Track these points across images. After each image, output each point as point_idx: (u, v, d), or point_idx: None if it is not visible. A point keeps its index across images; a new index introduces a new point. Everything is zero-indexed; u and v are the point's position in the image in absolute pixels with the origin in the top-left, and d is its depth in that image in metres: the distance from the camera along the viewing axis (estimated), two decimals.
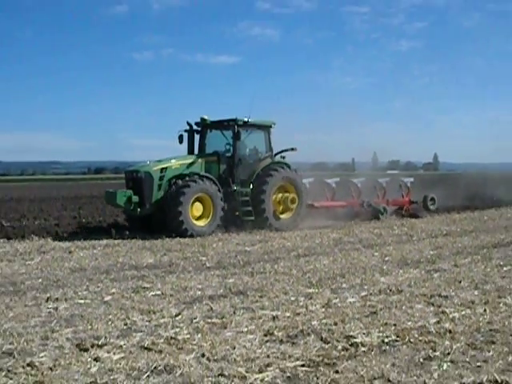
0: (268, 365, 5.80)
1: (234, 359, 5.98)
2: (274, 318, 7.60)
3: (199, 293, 9.25)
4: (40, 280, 10.50)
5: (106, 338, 6.70)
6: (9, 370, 5.64)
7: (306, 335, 6.80)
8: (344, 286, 9.71)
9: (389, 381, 5.42)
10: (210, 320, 7.52)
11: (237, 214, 18.46)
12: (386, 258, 12.59)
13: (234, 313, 7.89)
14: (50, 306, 8.37)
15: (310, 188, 20.94)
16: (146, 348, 6.36)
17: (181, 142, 19.08)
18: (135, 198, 17.06)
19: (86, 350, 6.29)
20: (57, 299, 8.83)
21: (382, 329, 7.02)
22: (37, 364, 5.81)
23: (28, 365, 5.79)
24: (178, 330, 7.08)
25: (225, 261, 12.58)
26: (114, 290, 9.50)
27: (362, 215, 21.59)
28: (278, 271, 11.14)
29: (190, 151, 19.16)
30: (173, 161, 17.94)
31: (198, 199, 17.27)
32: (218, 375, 5.54)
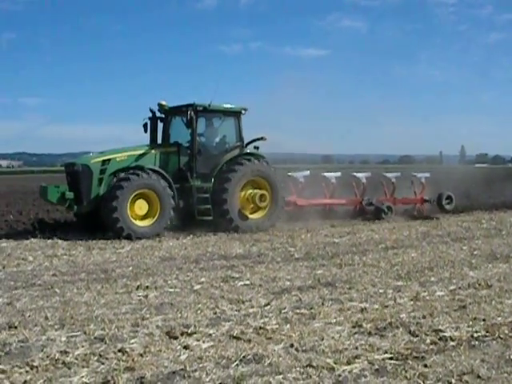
0: (356, 357, 5.86)
1: (323, 350, 6.07)
2: (362, 309, 7.66)
3: (288, 283, 9.42)
4: (130, 268, 10.95)
5: (195, 326, 6.94)
6: (100, 355, 5.95)
7: (395, 328, 6.82)
8: (432, 279, 9.65)
9: (478, 377, 5.37)
10: (298, 311, 7.65)
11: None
12: (475, 252, 12.40)
13: (323, 304, 8.00)
14: (140, 294, 8.73)
15: (307, 183, 19.41)
16: (234, 337, 6.55)
17: (146, 131, 17.42)
18: (69, 194, 15.33)
19: (176, 337, 6.54)
20: (147, 287, 9.20)
21: (471, 323, 6.95)
22: (127, 350, 6.09)
23: (119, 350, 6.08)
24: (266, 319, 7.25)
25: (313, 252, 12.72)
26: (203, 279, 9.80)
27: (364, 215, 19.77)
28: (366, 263, 11.19)
29: (153, 141, 17.33)
30: (120, 152, 16.05)
31: (142, 196, 15.37)
32: (306, 366, 5.65)
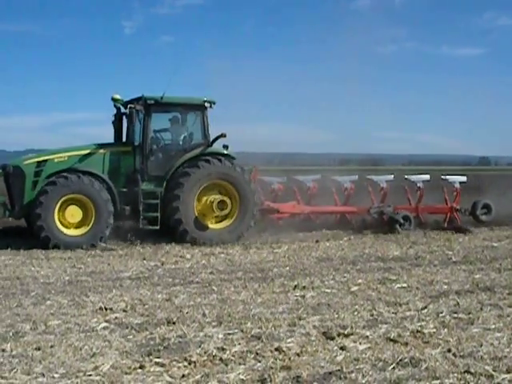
0: None
1: (481, 357, 5.97)
2: None
3: (445, 287, 9.34)
4: (287, 268, 11.23)
5: (352, 327, 7.04)
6: (257, 353, 6.17)
7: None
8: None
9: None
10: (456, 315, 7.57)
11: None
12: None
13: (481, 309, 7.87)
14: (297, 294, 8.95)
15: (316, 188, 17.95)
16: (391, 340, 6.58)
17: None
18: (2, 199, 14.48)
19: (333, 338, 6.66)
20: (304, 287, 9.40)
21: None
22: (284, 349, 6.27)
23: (276, 349, 6.28)
24: (423, 323, 7.22)
25: (471, 256, 12.49)
26: (360, 281, 9.89)
27: (374, 226, 16.94)
28: None
29: (118, 140, 15.91)
30: (61, 152, 14.71)
31: (74, 202, 14.01)
32: (464, 372, 5.57)
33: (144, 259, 12.36)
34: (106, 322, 7.42)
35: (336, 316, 7.64)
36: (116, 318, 7.62)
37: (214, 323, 7.32)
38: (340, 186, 17.92)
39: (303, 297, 8.80)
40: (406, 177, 18.55)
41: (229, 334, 6.88)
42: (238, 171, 15.10)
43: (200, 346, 6.37)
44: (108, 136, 16.12)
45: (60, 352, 6.17)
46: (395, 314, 7.75)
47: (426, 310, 7.87)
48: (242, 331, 6.97)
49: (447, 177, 18.71)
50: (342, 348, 6.32)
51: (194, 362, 5.91)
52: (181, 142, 15.60)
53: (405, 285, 9.55)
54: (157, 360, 5.97)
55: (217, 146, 15.48)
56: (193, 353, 6.16)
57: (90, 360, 5.96)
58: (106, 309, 8.02)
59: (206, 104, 15.36)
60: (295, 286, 9.47)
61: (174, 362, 5.93)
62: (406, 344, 6.43)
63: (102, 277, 10.53)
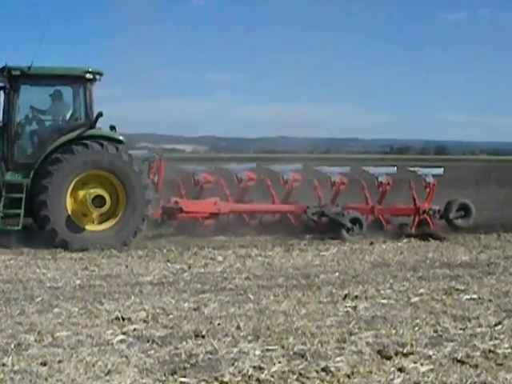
0: None
1: None
2: None
3: None
4: (336, 274, 11.22)
5: (412, 345, 6.96)
6: (300, 374, 6.15)
7: None
8: None
9: None
10: None
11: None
12: None
13: None
14: (347, 305, 8.92)
15: (254, 181, 17.32)
16: (458, 361, 6.50)
17: None
18: None
19: (389, 357, 6.61)
20: (356, 297, 9.37)
21: None
22: (332, 369, 6.24)
23: (322, 369, 6.25)
24: (497, 342, 7.14)
25: None
26: (422, 291, 9.82)
27: (309, 229, 16.48)
28: None
29: None
30: None
31: None
32: None
33: (168, 261, 12.45)
34: (124, 334, 7.46)
35: (393, 332, 7.58)
36: (135, 329, 7.64)
37: (249, 337, 7.32)
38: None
39: (355, 308, 8.76)
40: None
41: (267, 350, 6.86)
42: (124, 159, 14.26)
43: (233, 365, 6.36)
44: None
45: (69, 368, 6.20)
46: (463, 330, 7.68)
47: (499, 327, 7.77)
48: (282, 347, 6.95)
49: (417, 169, 18.12)
50: (400, 369, 6.27)
51: (227, 383, 5.91)
52: (57, 123, 15.02)
53: (475, 296, 9.45)
54: (182, 380, 5.98)
55: (102, 128, 14.84)
56: (225, 372, 6.16)
57: (104, 378, 5.98)
58: (123, 319, 8.05)
59: (89, 76, 14.60)
60: (345, 296, 9.44)
61: (203, 382, 5.94)
62: (476, 366, 6.36)
63: (118, 281, 10.60)
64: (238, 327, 7.74)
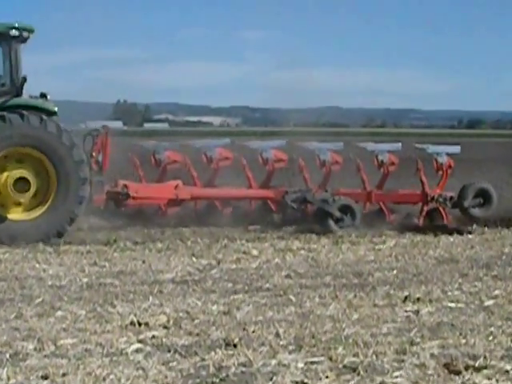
0: None
1: None
2: None
3: None
4: (395, 272, 11.22)
5: (485, 357, 6.88)
6: None
7: None
8: None
9: None
10: None
11: None
12: None
13: None
14: (408, 309, 8.90)
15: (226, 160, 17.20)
16: None
17: None
18: None
19: (458, 372, 6.51)
20: (418, 299, 9.34)
21: None
22: None
23: None
24: None
25: None
26: (497, 292, 9.77)
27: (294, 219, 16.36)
28: None
29: None
30: None
31: None
32: None
33: (193, 255, 12.56)
34: (140, 342, 7.46)
35: (463, 341, 7.51)
36: (153, 336, 7.65)
37: (290, 347, 7.29)
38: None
39: (417, 313, 8.73)
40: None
41: (312, 362, 6.82)
42: (50, 131, 14.04)
43: (271, 379, 6.33)
44: None
45: (75, 382, 6.20)
46: None
47: None
48: (330, 359, 6.91)
49: (426, 146, 18.09)
50: None
51: None
52: None
53: None
54: None
55: (30, 96, 14.69)
56: None
57: None
58: (139, 324, 8.08)
59: (14, 33, 14.23)
60: (405, 298, 9.42)
61: None
62: None
63: (133, 279, 10.67)
64: (277, 335, 7.71)
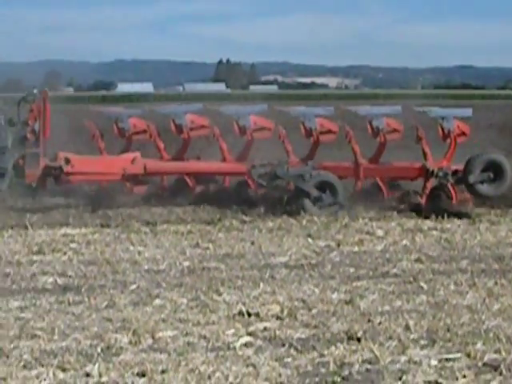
0: None
1: None
2: None
3: None
4: None
5: None
6: None
7: None
8: None
9: None
10: None
11: None
12: None
13: None
14: None
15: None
16: None
17: None
18: None
19: None
20: None
21: None
22: None
23: None
24: None
25: None
26: None
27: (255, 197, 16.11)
28: None
29: None
30: None
31: None
32: None
33: (309, 236, 12.61)
34: (250, 335, 7.52)
35: None
36: (265, 329, 7.70)
37: (422, 342, 7.26)
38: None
39: None
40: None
41: (447, 359, 6.77)
42: None
43: (400, 379, 6.31)
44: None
45: (176, 380, 6.28)
46: None
47: None
48: (467, 356, 6.84)
49: (428, 109, 17.66)
50: None
51: None
52: None
53: None
54: None
55: None
56: None
57: None
58: (248, 314, 8.14)
59: None
60: None
61: None
62: None
63: (242, 263, 10.76)
64: (407, 327, 7.69)
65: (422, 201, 15.74)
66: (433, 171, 15.54)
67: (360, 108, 17.96)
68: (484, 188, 15.44)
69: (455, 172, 15.64)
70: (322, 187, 15.06)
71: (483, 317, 8.03)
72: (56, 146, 15.65)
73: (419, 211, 15.19)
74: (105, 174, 15.84)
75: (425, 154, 16.16)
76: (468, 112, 17.28)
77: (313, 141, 16.59)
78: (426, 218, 14.63)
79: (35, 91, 15.71)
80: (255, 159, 16.08)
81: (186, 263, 10.67)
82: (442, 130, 16.24)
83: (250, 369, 6.54)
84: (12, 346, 7.08)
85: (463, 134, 16.40)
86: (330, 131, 16.71)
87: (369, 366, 6.60)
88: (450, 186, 15.61)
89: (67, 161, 15.13)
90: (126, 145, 17.52)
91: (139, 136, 17.49)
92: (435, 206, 15.39)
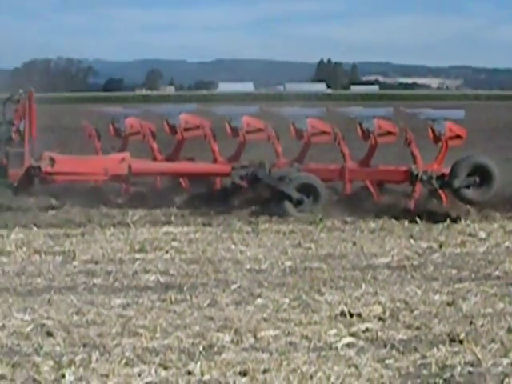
0: None
1: None
2: None
3: None
4: None
5: None
6: None
7: None
8: None
9: None
10: None
11: None
12: None
13: None
14: None
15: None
16: None
17: None
18: None
19: None
20: None
21: None
22: None
23: None
24: None
25: None
26: None
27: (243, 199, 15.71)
28: None
29: None
30: None
31: None
32: None
33: (411, 237, 12.57)
34: (352, 335, 7.50)
35: None
36: (367, 329, 7.68)
37: None
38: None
39: None
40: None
41: None
42: None
43: (503, 382, 6.23)
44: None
45: (279, 380, 6.29)
46: None
47: None
48: None
49: (418, 111, 17.36)
50: None
51: None
52: None
53: None
54: None
55: None
56: None
57: None
58: (350, 315, 8.12)
59: None
60: None
61: None
62: None
63: (343, 263, 10.76)
64: (510, 330, 7.61)
65: (411, 204, 15.30)
66: (417, 175, 15.11)
67: (351, 109, 17.99)
68: (469, 193, 14.99)
69: (442, 176, 15.19)
70: (303, 190, 14.90)
71: None
72: (56, 146, 15.90)
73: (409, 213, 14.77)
74: (87, 174, 15.97)
75: (414, 157, 15.84)
76: (460, 114, 16.92)
77: (304, 142, 16.50)
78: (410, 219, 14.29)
79: (21, 91, 15.86)
80: (243, 160, 16.17)
81: (288, 263, 10.70)
82: (433, 132, 15.88)
83: (352, 369, 6.52)
84: (114, 343, 7.19)
85: (457, 136, 15.94)
86: (323, 132, 16.52)
87: (471, 369, 6.53)
88: (440, 191, 15.32)
89: (52, 160, 15.32)
90: (123, 145, 17.61)
91: (135, 136, 17.66)
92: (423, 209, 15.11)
